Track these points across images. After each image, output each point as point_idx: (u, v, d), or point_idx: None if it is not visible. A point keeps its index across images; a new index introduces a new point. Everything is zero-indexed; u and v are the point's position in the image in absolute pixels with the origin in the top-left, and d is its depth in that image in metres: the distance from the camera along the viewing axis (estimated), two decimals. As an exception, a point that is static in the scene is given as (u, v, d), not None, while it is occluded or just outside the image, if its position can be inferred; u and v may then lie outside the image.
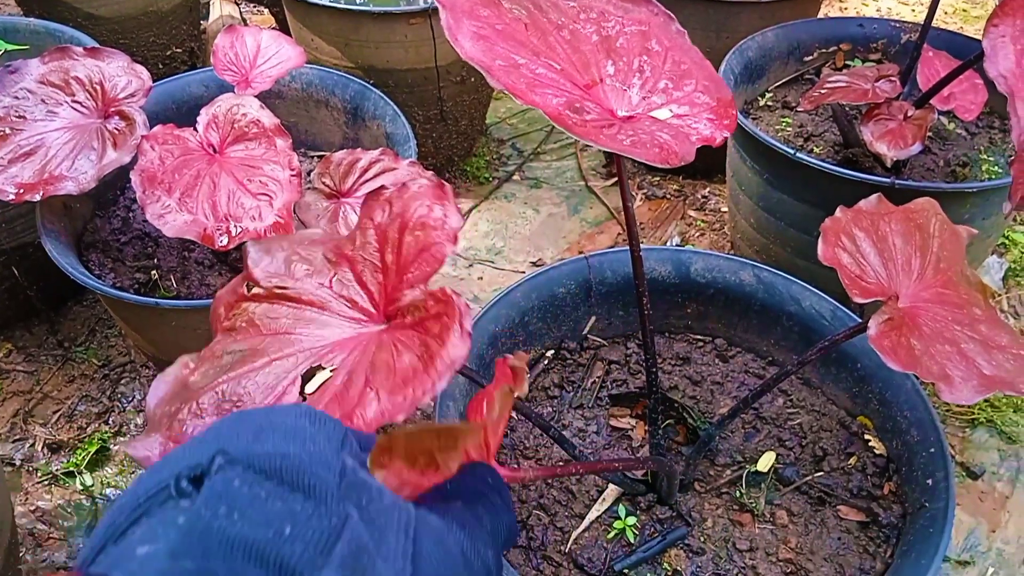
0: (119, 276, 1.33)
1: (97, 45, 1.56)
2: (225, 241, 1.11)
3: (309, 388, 0.79)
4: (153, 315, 1.22)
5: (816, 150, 1.58)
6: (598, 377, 1.20)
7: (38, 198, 1.20)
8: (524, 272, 1.99)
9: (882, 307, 0.78)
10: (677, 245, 2.03)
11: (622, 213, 2.16)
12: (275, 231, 1.13)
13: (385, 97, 1.51)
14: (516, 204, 2.19)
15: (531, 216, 2.15)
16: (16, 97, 1.30)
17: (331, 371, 0.79)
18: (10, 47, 1.77)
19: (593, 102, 0.83)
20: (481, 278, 1.97)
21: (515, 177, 2.28)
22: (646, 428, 1.13)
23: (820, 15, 2.72)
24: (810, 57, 1.77)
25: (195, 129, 1.24)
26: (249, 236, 1.12)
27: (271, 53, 1.41)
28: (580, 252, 2.05)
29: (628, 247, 1.31)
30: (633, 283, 1.21)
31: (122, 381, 1.74)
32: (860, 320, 1.10)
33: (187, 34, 2.54)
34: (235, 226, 1.13)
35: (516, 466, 1.09)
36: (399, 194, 0.87)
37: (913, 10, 3.19)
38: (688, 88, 0.88)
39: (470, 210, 2.16)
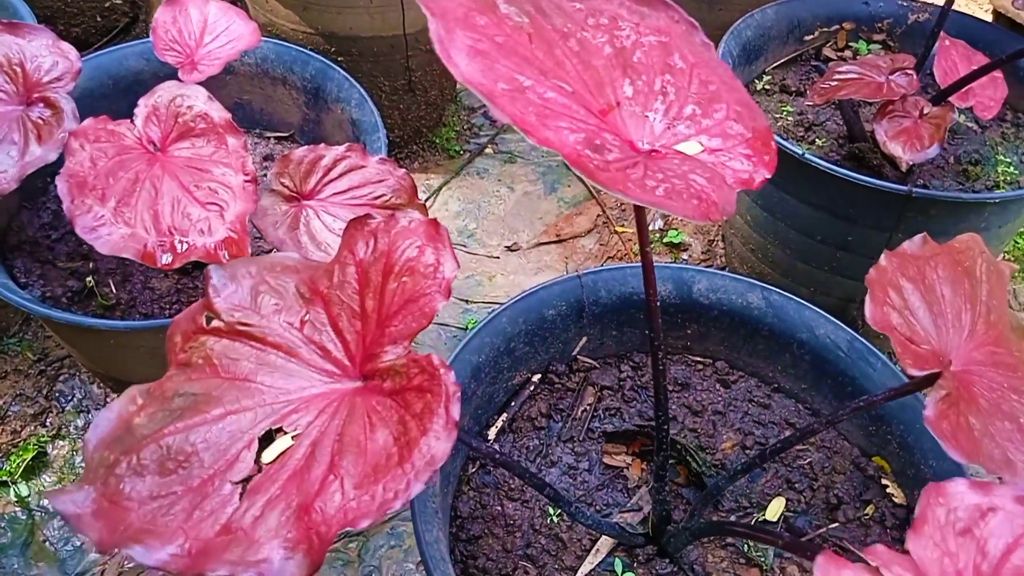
0: (49, 283, 1.17)
1: (15, 18, 1.38)
2: (168, 259, 0.97)
3: (266, 456, 0.67)
4: (88, 334, 1.08)
5: (819, 142, 1.47)
6: (589, 405, 1.09)
7: (-51, 200, 1.04)
8: (498, 257, 1.87)
9: (938, 380, 0.68)
10: (660, 229, 1.92)
11: (600, 192, 2.03)
12: (227, 247, 0.99)
13: (351, 78, 1.35)
14: (489, 181, 2.05)
15: (505, 195, 2.02)
16: (-79, 77, 1.12)
17: (293, 437, 0.67)
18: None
19: (611, 132, 0.70)
20: (452, 264, 1.84)
21: (487, 150, 2.14)
22: (643, 466, 1.03)
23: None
24: (811, 36, 1.64)
25: (132, 122, 1.08)
26: (197, 254, 0.98)
27: (220, 29, 1.25)
28: (557, 236, 1.93)
29: (621, 264, 1.20)
30: (632, 302, 1.10)
31: (60, 378, 1.59)
32: (880, 355, 1.01)
33: (128, -16, 2.33)
34: (180, 241, 0.98)
35: (499, 509, 0.98)
36: (386, 227, 0.74)
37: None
38: (719, 115, 0.75)
39: (440, 187, 2.02)
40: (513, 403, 1.08)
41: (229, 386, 0.68)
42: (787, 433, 1.05)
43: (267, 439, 0.66)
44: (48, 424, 1.52)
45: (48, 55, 1.14)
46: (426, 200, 1.98)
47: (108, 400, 1.55)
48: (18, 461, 1.45)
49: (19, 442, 1.49)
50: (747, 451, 1.04)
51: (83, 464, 1.50)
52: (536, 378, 1.11)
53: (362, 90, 1.33)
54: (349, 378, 0.69)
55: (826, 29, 1.65)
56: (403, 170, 1.19)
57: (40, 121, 1.10)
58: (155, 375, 1.16)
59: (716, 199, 0.68)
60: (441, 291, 0.69)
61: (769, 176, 0.73)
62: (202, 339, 0.71)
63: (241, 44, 1.21)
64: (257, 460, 0.64)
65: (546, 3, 0.76)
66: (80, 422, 1.53)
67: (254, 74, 1.45)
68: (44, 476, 1.46)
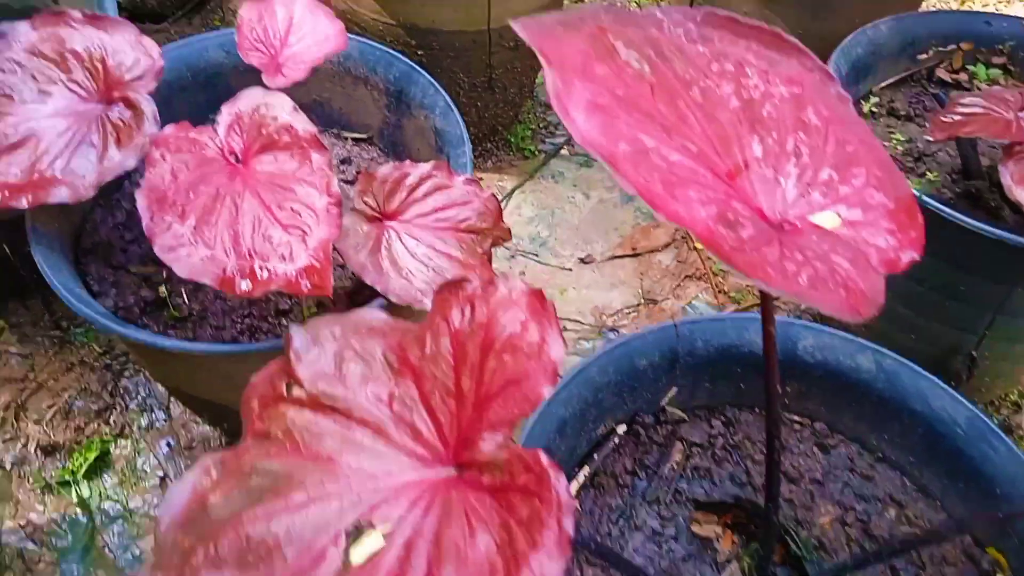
0: (122, 292, 1.14)
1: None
2: (247, 287, 0.92)
3: (355, 556, 0.61)
4: (159, 352, 1.04)
5: (930, 176, 1.36)
6: (676, 463, 1.02)
7: (24, 205, 1.00)
8: (571, 269, 1.79)
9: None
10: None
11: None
12: (308, 277, 0.93)
13: (436, 84, 1.28)
14: (564, 186, 1.97)
15: (580, 202, 1.94)
16: (2, 70, 1.08)
17: (383, 535, 0.62)
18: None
19: (741, 201, 0.63)
20: (523, 273, 1.77)
21: (563, 151, 2.06)
22: (735, 539, 0.96)
23: (932, 5, 2.45)
24: (924, 55, 1.53)
25: (214, 130, 1.03)
26: (278, 283, 0.92)
27: (306, 29, 1.19)
28: (633, 249, 1.85)
29: (721, 314, 1.12)
30: (729, 355, 1.03)
31: (125, 373, 1.57)
32: (1004, 437, 0.92)
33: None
34: (261, 267, 0.93)
35: (579, 573, 0.92)
36: (485, 295, 0.67)
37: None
38: (857, 181, 0.67)
39: (513, 190, 1.95)
40: (596, 456, 1.02)
41: (312, 467, 0.62)
42: (892, 511, 0.97)
43: (354, 534, 0.60)
44: (112, 422, 1.50)
45: (130, 51, 1.10)
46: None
47: (171, 402, 1.53)
48: (81, 460, 1.44)
49: (82, 439, 1.47)
50: (847, 528, 0.96)
51: (144, 467, 1.48)
52: (621, 429, 1.04)
53: (448, 98, 1.26)
54: (442, 464, 0.63)
55: (941, 48, 1.53)
56: (489, 192, 1.12)
57: (120, 123, 1.05)
58: (220, 395, 1.11)
59: (863, 287, 0.60)
60: (547, 375, 0.62)
61: (917, 257, 0.65)
62: (282, 409, 0.66)
63: (328, 46, 1.15)
64: (345, 559, 0.58)
65: (667, 46, 0.68)
66: (143, 421, 1.50)
67: (335, 72, 1.39)
68: (105, 477, 1.44)
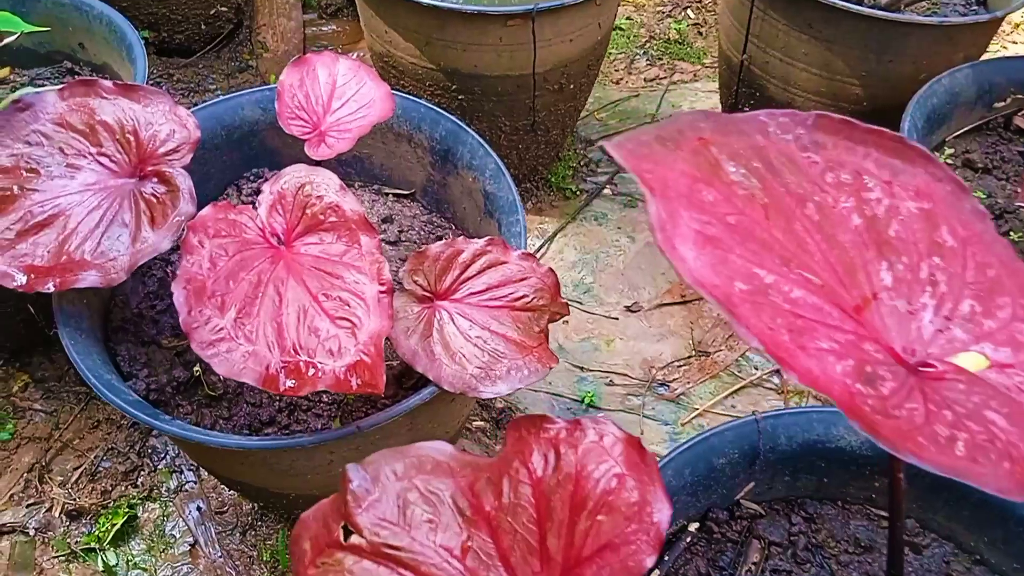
0: (154, 371, 1.07)
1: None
2: (292, 384, 0.84)
3: None
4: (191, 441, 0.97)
5: (1013, 236, 1.27)
6: (754, 564, 0.94)
7: (51, 288, 0.94)
8: (617, 318, 1.71)
9: None
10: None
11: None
12: (358, 374, 0.86)
13: (486, 146, 1.21)
14: (608, 228, 1.89)
15: (625, 245, 1.85)
16: (28, 143, 1.02)
17: None
18: (28, 29, 1.47)
19: (872, 341, 0.54)
20: (567, 322, 1.69)
21: (606, 191, 1.98)
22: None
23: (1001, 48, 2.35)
24: (1002, 103, 1.43)
25: (255, 210, 0.96)
26: (325, 381, 0.85)
27: (349, 93, 1.12)
28: (682, 296, 1.76)
29: (806, 407, 1.04)
30: (815, 450, 0.94)
31: (152, 432, 1.50)
32: None
33: (235, -11, 2.22)
34: (306, 363, 0.86)
35: None
36: (571, 439, 0.59)
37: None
38: (1003, 313, 0.58)
39: (555, 233, 1.87)
40: (667, 557, 0.94)
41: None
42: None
43: None
44: (139, 484, 1.44)
45: (165, 123, 1.03)
46: (539, 248, 1.84)
47: (202, 471, 1.46)
48: (107, 525, 1.37)
49: (109, 503, 1.41)
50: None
51: (173, 532, 1.42)
52: (693, 527, 0.96)
53: (499, 161, 1.19)
54: (529, 637, 0.56)
55: (1020, 95, 1.44)
56: (546, 267, 1.04)
57: (153, 199, 0.99)
58: (257, 478, 1.03)
59: (1029, 452, 0.52)
60: (651, 541, 0.55)
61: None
62: (338, 555, 0.58)
63: (373, 113, 1.08)
64: None
65: (776, 156, 0.60)
66: (172, 483, 1.44)
67: (377, 128, 1.31)
68: (132, 542, 1.38)
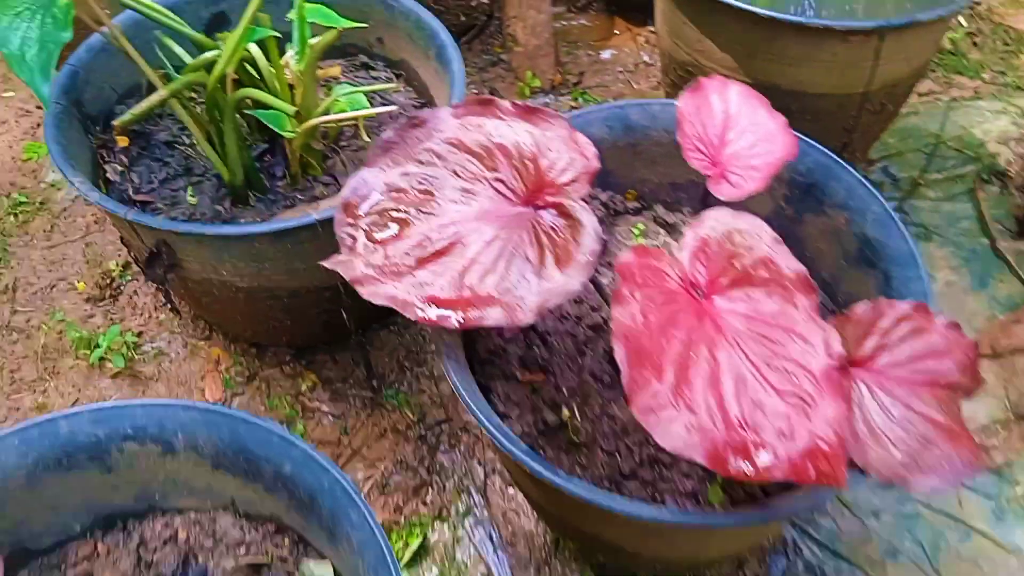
0: (523, 412, 1.01)
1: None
2: (747, 469, 0.76)
3: None
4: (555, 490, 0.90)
5: None
6: None
7: (455, 324, 0.88)
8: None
9: None
10: None
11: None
12: (813, 463, 0.76)
13: (868, 185, 1.09)
14: (903, 263, 1.73)
15: (925, 284, 1.69)
16: (420, 162, 0.97)
17: None
18: (347, 24, 1.44)
19: None
20: (865, 367, 1.55)
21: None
22: None
23: None
24: None
25: (673, 256, 0.88)
26: (779, 469, 0.76)
27: (743, 123, 1.02)
28: (992, 349, 1.59)
29: None
30: None
31: (440, 447, 1.47)
32: None
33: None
34: (755, 443, 0.77)
35: None
36: None
37: None
38: None
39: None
40: None
41: None
42: None
43: None
44: (428, 502, 1.40)
45: (564, 150, 0.96)
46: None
47: (487, 485, 1.41)
48: (401, 545, 1.35)
49: (401, 520, 1.38)
50: None
51: (464, 559, 1.38)
52: None
53: (886, 204, 1.07)
54: None
55: None
56: (968, 339, 0.92)
57: (552, 233, 0.92)
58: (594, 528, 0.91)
59: None
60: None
61: None
62: None
63: (778, 150, 0.98)
64: None
65: None
66: (461, 506, 1.40)
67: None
68: (425, 564, 1.35)
